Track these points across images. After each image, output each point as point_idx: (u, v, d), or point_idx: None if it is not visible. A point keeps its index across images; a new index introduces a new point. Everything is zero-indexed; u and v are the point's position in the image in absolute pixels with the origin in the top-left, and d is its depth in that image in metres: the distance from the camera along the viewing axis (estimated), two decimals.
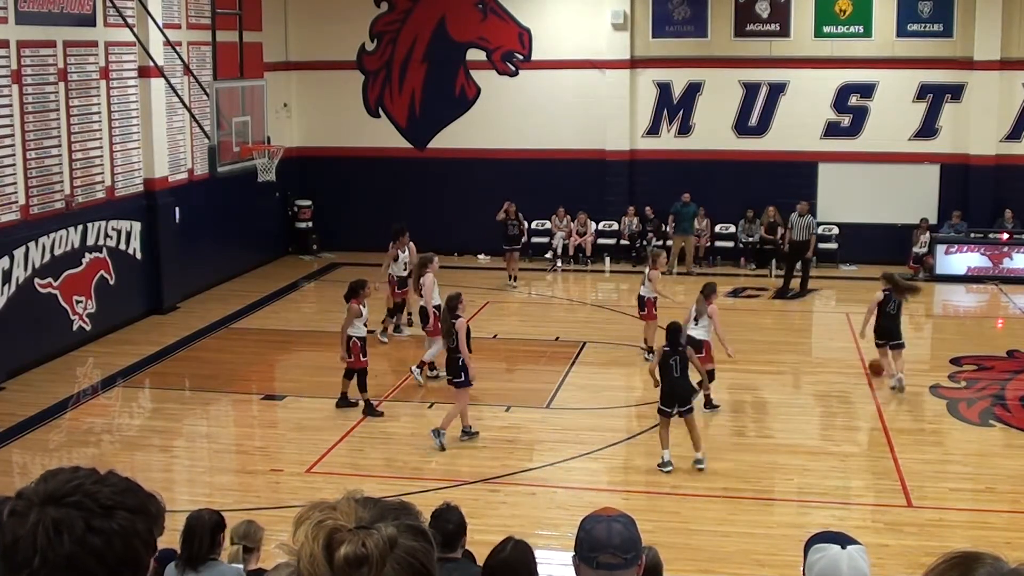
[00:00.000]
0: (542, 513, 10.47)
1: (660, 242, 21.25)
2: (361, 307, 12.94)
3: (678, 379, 11.20)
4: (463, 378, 12.00)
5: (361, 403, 13.08)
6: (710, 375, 13.03)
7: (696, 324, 13.14)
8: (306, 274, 21.33)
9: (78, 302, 15.91)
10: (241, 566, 6.12)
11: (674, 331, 11.42)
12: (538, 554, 5.14)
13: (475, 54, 22.33)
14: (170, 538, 6.18)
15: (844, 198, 21.37)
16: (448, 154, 22.47)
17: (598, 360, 15.50)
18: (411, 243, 16.35)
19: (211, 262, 19.41)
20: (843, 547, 3.25)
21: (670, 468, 11.17)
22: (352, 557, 1.61)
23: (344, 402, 13.26)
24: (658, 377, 11.34)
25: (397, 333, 16.51)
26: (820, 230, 20.74)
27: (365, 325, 13.12)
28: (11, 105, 14.66)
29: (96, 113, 16.53)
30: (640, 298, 15.30)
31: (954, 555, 1.70)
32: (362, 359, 12.95)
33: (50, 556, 1.64)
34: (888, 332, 13.98)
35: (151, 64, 16.75)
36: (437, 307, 14.01)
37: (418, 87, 22.70)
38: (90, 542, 1.66)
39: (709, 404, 13.06)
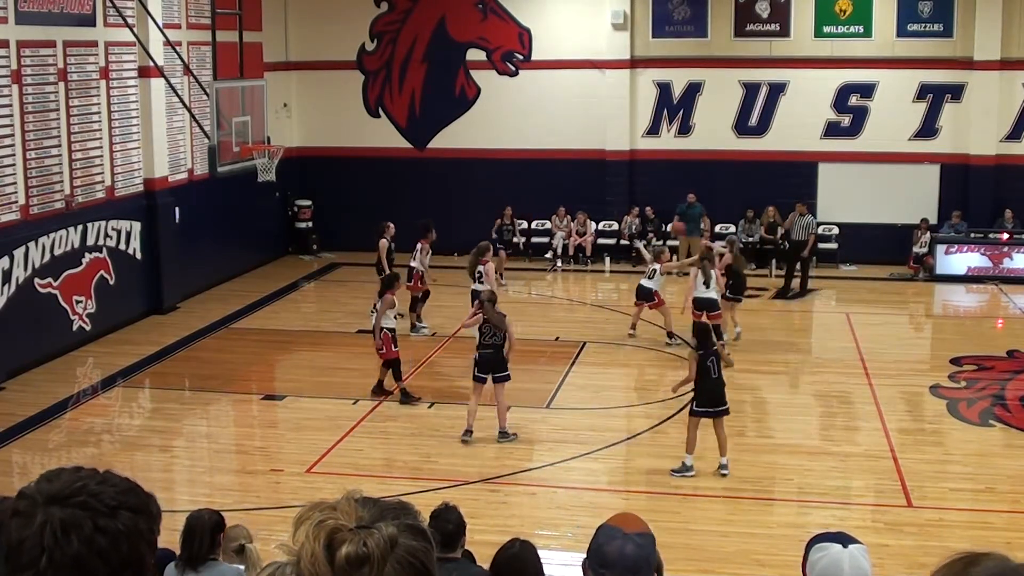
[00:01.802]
0: (542, 513, 10.47)
1: (661, 242, 21.29)
2: (395, 299, 13.55)
3: (716, 379, 10.98)
4: (506, 372, 12.15)
5: (397, 392, 13.47)
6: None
7: (708, 288, 14.84)
8: (306, 274, 21.33)
9: (78, 302, 15.91)
10: (242, 567, 6.12)
11: (705, 331, 11.30)
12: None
13: (475, 54, 22.33)
14: (170, 538, 6.19)
15: (844, 198, 21.37)
16: (448, 154, 22.48)
17: (598, 360, 15.50)
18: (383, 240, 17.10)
19: (211, 262, 19.40)
20: (844, 546, 3.25)
21: (693, 473, 11.02)
22: (353, 557, 1.61)
23: (379, 390, 13.62)
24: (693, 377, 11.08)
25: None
26: (820, 230, 20.76)
27: (395, 317, 13.64)
28: (11, 105, 14.65)
29: (96, 113, 16.52)
30: (648, 290, 15.94)
31: (962, 553, 1.71)
32: (394, 349, 13.36)
33: (57, 556, 1.64)
34: (741, 288, 16.29)
35: (151, 64, 16.75)
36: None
37: (418, 87, 22.70)
38: (97, 542, 1.66)
39: None
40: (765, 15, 21.36)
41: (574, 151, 22.00)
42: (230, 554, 6.14)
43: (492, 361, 12.05)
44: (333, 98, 22.91)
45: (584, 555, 3.16)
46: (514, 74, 22.30)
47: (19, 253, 14.66)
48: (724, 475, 11.03)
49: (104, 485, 1.71)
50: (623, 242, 21.84)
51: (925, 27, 20.90)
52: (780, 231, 20.60)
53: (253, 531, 6.50)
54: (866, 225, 21.20)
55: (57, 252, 15.45)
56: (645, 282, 15.96)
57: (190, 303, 18.44)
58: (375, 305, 17.13)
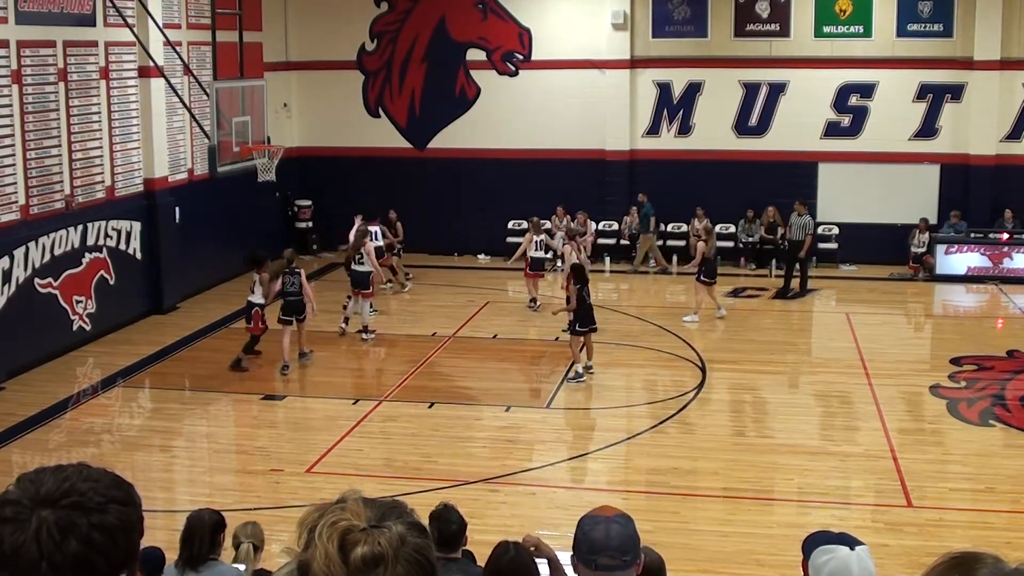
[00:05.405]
0: (542, 513, 10.47)
1: (661, 243, 21.45)
2: (266, 276, 14.87)
3: (589, 305, 14.18)
4: (304, 314, 14.84)
5: (241, 357, 14.60)
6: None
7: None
8: (306, 274, 21.27)
9: (78, 302, 15.91)
10: (243, 566, 6.12)
11: (581, 270, 14.41)
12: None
13: (475, 54, 22.33)
14: (170, 538, 6.19)
15: (844, 198, 21.37)
16: (448, 154, 22.47)
17: (598, 360, 15.48)
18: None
19: (211, 262, 19.39)
20: (851, 548, 3.26)
21: (584, 378, 13.93)
22: (369, 556, 1.63)
23: (250, 351, 14.81)
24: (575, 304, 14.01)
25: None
26: (820, 230, 20.75)
27: (264, 296, 14.83)
28: (11, 105, 14.66)
29: (96, 113, 16.52)
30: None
31: (954, 555, 1.70)
32: (260, 325, 14.62)
33: (58, 559, 1.63)
34: (714, 272, 17.63)
35: (151, 64, 16.75)
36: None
37: (418, 87, 22.70)
38: (95, 540, 1.65)
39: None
40: (765, 15, 21.36)
41: (574, 151, 21.99)
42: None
43: (294, 305, 14.69)
44: (333, 98, 22.91)
45: (571, 553, 3.16)
46: (514, 74, 22.30)
47: (19, 253, 14.66)
48: (583, 377, 14.00)
49: (90, 482, 1.70)
50: (623, 242, 21.84)
51: (925, 27, 20.90)
52: (780, 231, 20.60)
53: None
54: (866, 225, 21.19)
55: (57, 252, 15.46)
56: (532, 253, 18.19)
57: (190, 303, 18.44)
58: (349, 296, 17.53)
